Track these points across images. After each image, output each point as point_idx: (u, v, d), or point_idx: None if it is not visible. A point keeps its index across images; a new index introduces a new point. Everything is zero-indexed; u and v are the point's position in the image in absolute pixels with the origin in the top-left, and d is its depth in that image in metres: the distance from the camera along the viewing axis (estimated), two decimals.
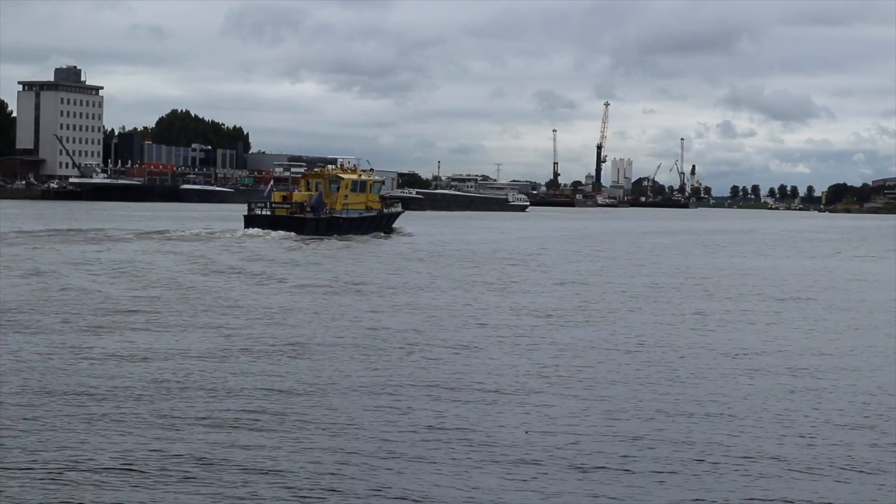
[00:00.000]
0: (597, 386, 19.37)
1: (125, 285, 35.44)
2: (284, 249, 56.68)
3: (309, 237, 66.60)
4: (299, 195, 74.02)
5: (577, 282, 42.12)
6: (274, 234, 67.37)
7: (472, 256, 56.90)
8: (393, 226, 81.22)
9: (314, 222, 70.21)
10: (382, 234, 76.52)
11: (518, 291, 37.25)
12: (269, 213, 71.99)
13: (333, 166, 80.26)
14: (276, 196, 75.67)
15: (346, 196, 73.72)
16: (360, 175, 78.18)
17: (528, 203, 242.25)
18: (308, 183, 75.30)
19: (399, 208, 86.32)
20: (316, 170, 79.52)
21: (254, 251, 54.59)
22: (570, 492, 12.84)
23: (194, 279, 38.63)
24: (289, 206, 72.15)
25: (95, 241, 59.32)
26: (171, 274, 40.33)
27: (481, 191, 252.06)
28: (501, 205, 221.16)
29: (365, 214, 75.66)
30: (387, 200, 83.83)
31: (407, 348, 23.09)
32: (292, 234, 67.61)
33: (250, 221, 70.78)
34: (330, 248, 58.83)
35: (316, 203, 70.77)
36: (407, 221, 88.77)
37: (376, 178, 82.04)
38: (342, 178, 74.19)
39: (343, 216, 72.79)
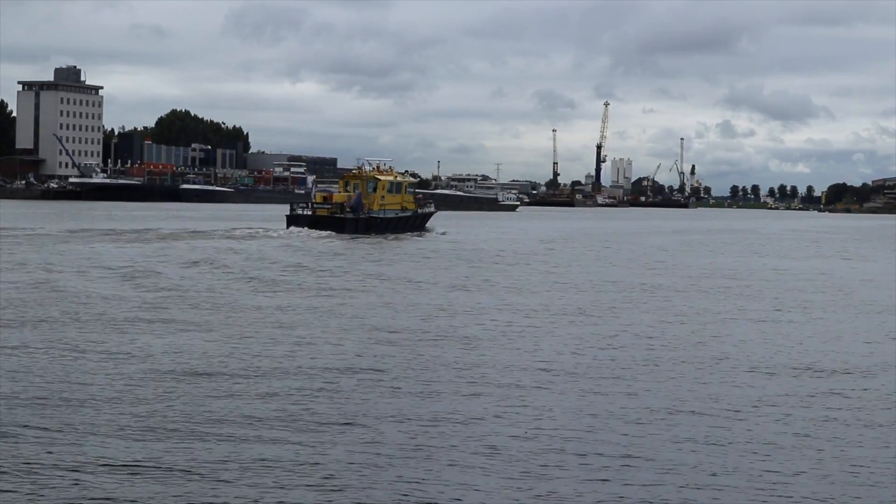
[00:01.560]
0: (601, 386, 19.46)
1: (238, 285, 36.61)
2: (341, 248, 58.64)
3: (349, 236, 68.72)
4: (339, 196, 76.57)
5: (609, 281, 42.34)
6: (316, 232, 69.45)
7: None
8: (426, 225, 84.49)
9: (353, 222, 72.54)
10: (418, 233, 79.55)
11: (527, 291, 37.38)
12: (310, 213, 74.37)
13: (368, 167, 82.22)
14: (318, 196, 78.80)
15: (383, 197, 76.84)
16: (396, 177, 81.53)
17: (518, 203, 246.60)
18: (347, 184, 77.81)
19: (432, 208, 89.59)
20: (353, 171, 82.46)
21: (310, 249, 56.77)
22: (568, 493, 12.91)
23: (272, 275, 40.63)
24: (329, 206, 74.77)
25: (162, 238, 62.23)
26: (254, 271, 42.37)
27: (473, 191, 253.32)
28: (491, 204, 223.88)
29: (401, 214, 78.76)
30: (420, 201, 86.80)
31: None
32: (333, 233, 69.81)
33: (292, 221, 72.87)
34: (379, 248, 60.75)
35: (355, 203, 73.29)
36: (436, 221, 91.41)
37: (410, 179, 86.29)
38: (379, 180, 77.08)
39: (380, 216, 75.46)
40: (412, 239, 71.92)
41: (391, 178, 79.56)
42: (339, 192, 78.47)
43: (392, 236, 72.20)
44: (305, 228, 70.53)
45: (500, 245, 70.17)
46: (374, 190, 76.24)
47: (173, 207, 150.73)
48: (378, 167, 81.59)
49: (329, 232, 69.85)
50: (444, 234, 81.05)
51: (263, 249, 55.23)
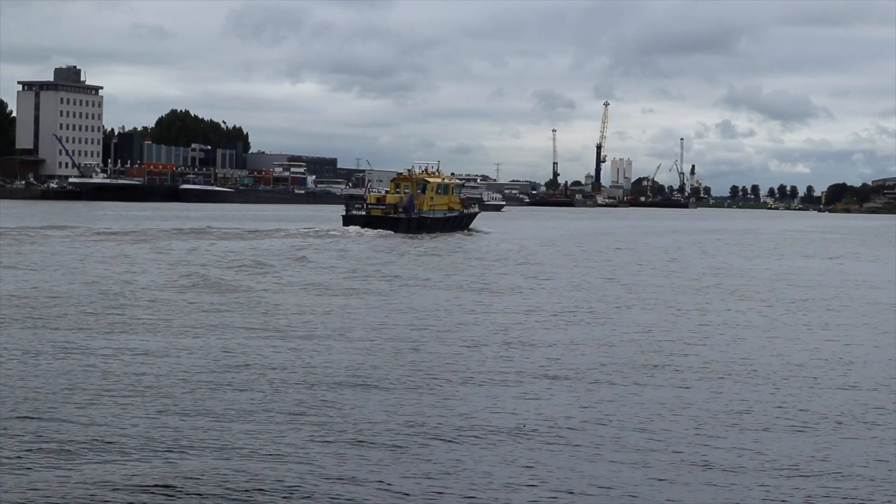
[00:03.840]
0: (602, 383, 19.44)
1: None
2: (408, 246, 61.30)
3: (403, 235, 71.84)
4: (392, 196, 79.77)
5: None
6: (373, 231, 72.72)
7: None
8: (471, 225, 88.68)
9: (406, 222, 75.90)
10: (468, 231, 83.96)
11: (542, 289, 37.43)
12: (364, 213, 77.74)
13: (417, 169, 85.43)
14: (371, 198, 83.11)
15: (432, 198, 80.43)
16: (444, 179, 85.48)
17: (503, 203, 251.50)
18: (398, 186, 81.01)
19: (476, 209, 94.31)
20: (404, 174, 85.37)
21: (388, 248, 59.71)
22: (567, 490, 12.88)
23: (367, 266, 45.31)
24: (383, 206, 78.10)
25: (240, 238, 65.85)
26: (354, 265, 46.63)
27: (462, 191, 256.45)
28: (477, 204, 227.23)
29: (448, 215, 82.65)
30: (465, 202, 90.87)
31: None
32: (389, 232, 72.96)
33: (349, 221, 76.46)
34: (442, 246, 64.07)
35: (408, 204, 76.75)
36: None
37: (457, 181, 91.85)
38: (428, 182, 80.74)
39: (430, 216, 79.00)
40: (470, 238, 76.21)
41: (439, 179, 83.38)
42: (391, 193, 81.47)
43: (444, 235, 75.34)
44: (359, 227, 73.73)
45: (565, 245, 72.30)
46: (424, 191, 79.58)
47: (174, 207, 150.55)
48: (427, 169, 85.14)
49: (386, 231, 72.78)
50: (488, 233, 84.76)
51: (349, 247, 58.54)
